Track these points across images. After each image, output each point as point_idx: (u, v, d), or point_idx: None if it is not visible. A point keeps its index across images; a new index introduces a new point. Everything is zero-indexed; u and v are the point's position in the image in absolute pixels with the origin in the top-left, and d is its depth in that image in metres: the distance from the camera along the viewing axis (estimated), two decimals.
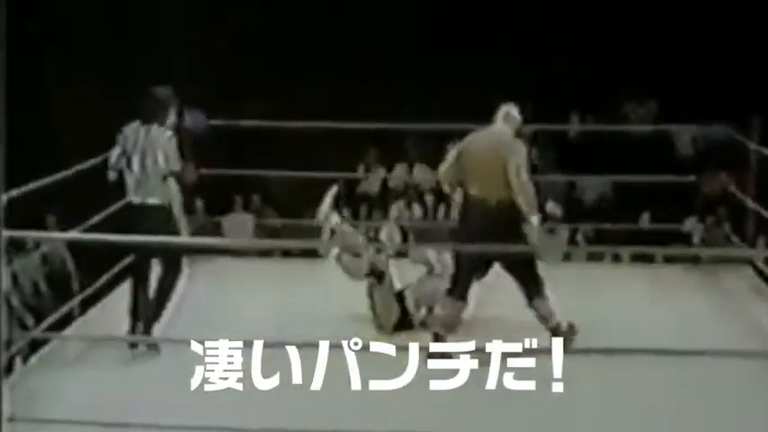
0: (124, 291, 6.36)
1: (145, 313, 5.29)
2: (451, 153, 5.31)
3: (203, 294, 6.30)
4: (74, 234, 5.86)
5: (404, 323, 5.60)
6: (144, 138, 5.28)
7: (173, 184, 5.25)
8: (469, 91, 10.79)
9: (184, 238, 5.17)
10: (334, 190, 5.91)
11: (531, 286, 5.17)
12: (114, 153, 5.36)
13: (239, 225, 8.92)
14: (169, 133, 5.32)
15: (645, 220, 9.14)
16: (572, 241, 9.18)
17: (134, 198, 5.31)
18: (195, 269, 6.93)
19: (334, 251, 5.75)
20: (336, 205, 5.80)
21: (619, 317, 5.87)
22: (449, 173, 5.26)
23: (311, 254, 7.04)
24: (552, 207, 9.31)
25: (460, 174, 5.19)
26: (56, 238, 7.76)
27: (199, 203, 8.89)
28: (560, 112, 10.43)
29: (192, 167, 7.35)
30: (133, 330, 5.33)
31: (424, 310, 5.61)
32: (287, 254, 7.72)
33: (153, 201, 5.24)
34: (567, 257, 8.83)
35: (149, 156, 5.25)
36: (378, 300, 5.64)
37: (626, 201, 9.64)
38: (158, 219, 5.19)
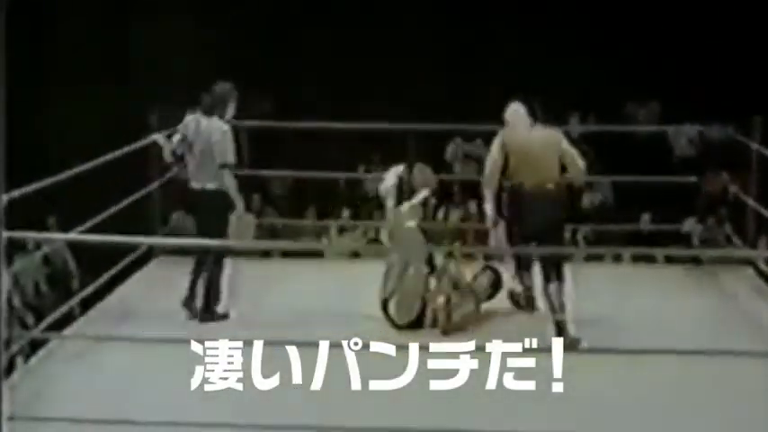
0: (125, 289, 6.41)
1: (205, 296, 5.83)
2: (495, 151, 5.69)
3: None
4: (73, 235, 5.88)
5: (417, 322, 5.61)
6: (203, 128, 5.72)
7: (227, 174, 5.67)
8: (471, 91, 10.82)
9: (183, 240, 5.26)
10: (399, 168, 5.94)
11: (552, 271, 5.49)
12: (175, 139, 5.86)
13: (241, 225, 8.90)
14: (225, 127, 5.71)
15: (645, 221, 9.12)
16: (572, 242, 9.16)
17: (194, 184, 5.80)
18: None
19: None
20: (399, 185, 5.85)
21: (618, 317, 5.85)
22: (497, 170, 5.65)
23: (311, 254, 7.04)
24: None
25: (504, 168, 5.65)
26: (55, 238, 7.76)
27: None
28: (561, 112, 10.41)
29: None
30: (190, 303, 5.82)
31: (442, 299, 5.59)
32: (287, 254, 7.70)
33: (210, 186, 5.71)
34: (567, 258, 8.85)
35: (206, 146, 5.68)
36: (405, 291, 5.59)
37: (627, 201, 9.63)
38: (216, 202, 5.69)
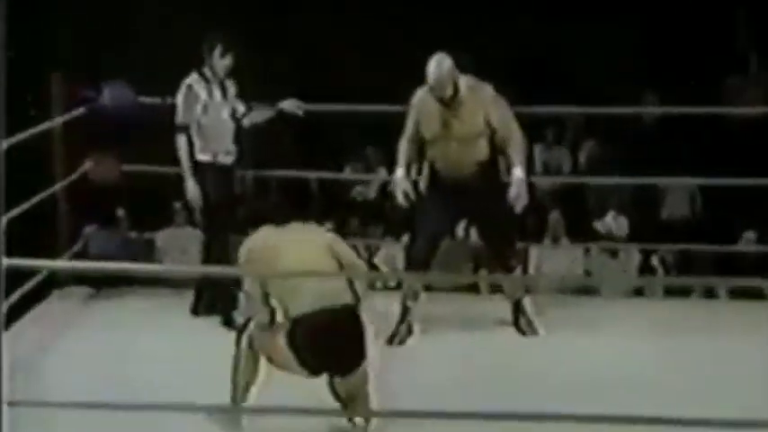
0: (14, 335, 6.30)
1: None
2: (409, 126, 6.35)
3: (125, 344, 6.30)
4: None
5: None
6: None
7: (178, 140, 6.66)
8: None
9: (97, 264, 5.26)
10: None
11: (507, 254, 6.44)
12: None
13: (179, 244, 8.84)
14: (184, 81, 6.67)
15: (749, 241, 9.04)
16: (645, 268, 9.09)
17: None
18: (111, 305, 6.90)
19: None
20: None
21: (709, 371, 5.88)
22: (412, 151, 6.35)
23: None
24: (613, 220, 9.24)
25: (421, 147, 6.36)
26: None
27: (120, 213, 8.81)
28: (631, 91, 10.35)
29: (112, 161, 7.31)
30: None
31: None
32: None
33: None
34: (638, 291, 8.76)
35: None
36: None
37: (722, 213, 9.54)
38: None
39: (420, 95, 6.33)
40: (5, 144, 4.14)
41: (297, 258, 5.14)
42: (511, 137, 6.25)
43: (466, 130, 6.21)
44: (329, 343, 5.06)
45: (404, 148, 6.35)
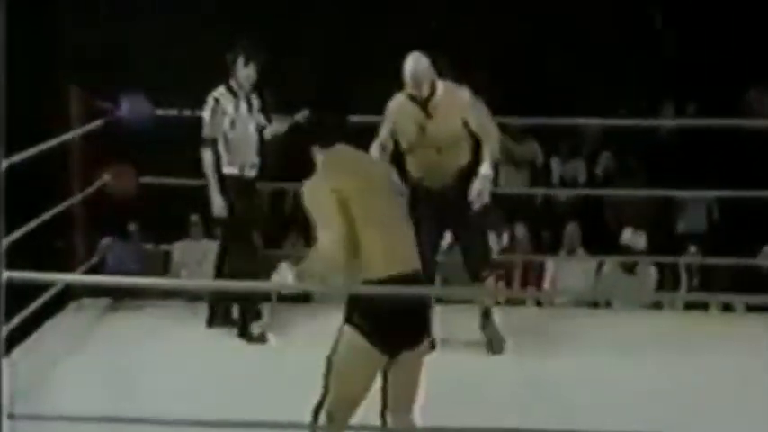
0: (30, 347, 6.38)
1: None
2: (382, 132, 6.27)
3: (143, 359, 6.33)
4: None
5: None
6: None
7: (204, 154, 6.67)
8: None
9: (112, 278, 5.24)
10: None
11: (481, 264, 6.43)
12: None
13: (196, 256, 8.90)
14: (211, 95, 6.67)
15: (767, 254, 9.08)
16: (671, 278, 9.11)
17: None
18: (127, 317, 7.01)
19: None
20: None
21: (727, 392, 5.85)
22: (382, 158, 6.13)
23: (297, 298, 7.01)
24: (631, 236, 9.26)
25: (393, 155, 6.29)
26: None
27: (132, 227, 8.86)
28: (650, 101, 10.40)
29: (130, 173, 7.37)
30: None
31: None
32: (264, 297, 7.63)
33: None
34: (656, 305, 8.79)
35: None
36: None
37: (741, 226, 9.57)
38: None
39: (397, 99, 6.27)
40: (6, 163, 4.20)
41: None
42: (488, 137, 6.21)
43: (442, 134, 6.16)
44: (402, 312, 4.41)
45: (374, 153, 6.13)
